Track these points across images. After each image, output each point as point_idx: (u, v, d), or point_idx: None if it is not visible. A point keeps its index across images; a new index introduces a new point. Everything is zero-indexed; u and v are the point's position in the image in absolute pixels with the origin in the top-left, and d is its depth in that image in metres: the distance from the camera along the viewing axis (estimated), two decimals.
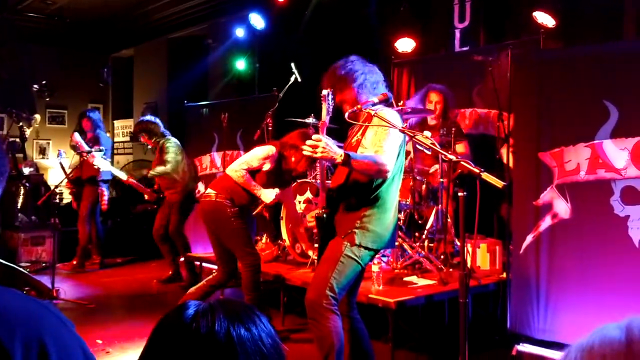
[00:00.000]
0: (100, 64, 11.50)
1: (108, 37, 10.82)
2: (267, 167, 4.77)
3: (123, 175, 6.71)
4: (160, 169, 6.60)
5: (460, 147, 5.52)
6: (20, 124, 8.28)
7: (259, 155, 4.75)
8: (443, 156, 3.04)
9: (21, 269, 6.22)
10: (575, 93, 4.27)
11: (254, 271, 4.77)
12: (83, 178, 7.50)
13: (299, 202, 5.71)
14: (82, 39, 10.82)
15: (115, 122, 12.00)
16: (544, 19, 5.38)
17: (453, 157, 2.86)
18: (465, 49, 6.32)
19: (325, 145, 3.02)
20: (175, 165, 6.69)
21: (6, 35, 9.17)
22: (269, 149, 4.77)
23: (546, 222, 4.33)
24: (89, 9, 9.15)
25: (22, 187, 8.07)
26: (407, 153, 5.37)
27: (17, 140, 8.43)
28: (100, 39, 10.89)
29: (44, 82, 10.44)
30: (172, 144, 6.78)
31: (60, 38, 10.70)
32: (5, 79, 9.71)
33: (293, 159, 4.72)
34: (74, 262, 7.68)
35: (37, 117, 9.13)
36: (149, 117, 7.07)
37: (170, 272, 6.92)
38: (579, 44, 5.32)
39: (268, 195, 4.76)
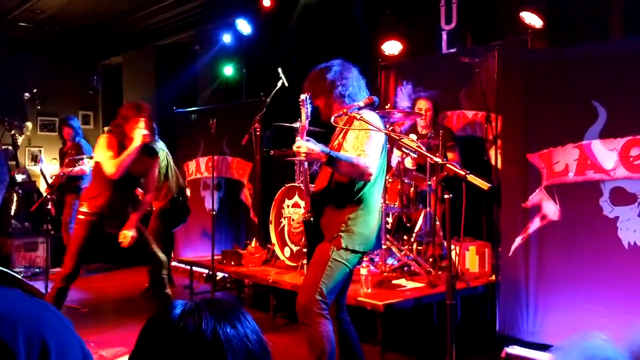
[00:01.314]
0: (90, 71, 11.50)
1: (97, 44, 10.80)
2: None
3: None
4: (172, 182, 6.62)
5: (451, 155, 5.52)
6: (12, 131, 8.31)
7: (103, 149, 4.62)
8: (429, 159, 3.03)
9: (15, 274, 6.20)
10: (563, 94, 4.27)
11: None
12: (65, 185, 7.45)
13: (287, 206, 5.70)
14: (72, 47, 10.80)
15: (105, 128, 11.97)
16: (531, 19, 5.38)
17: (438, 160, 2.85)
18: (452, 50, 6.31)
19: (306, 150, 3.08)
20: (170, 172, 6.67)
21: None
22: (102, 138, 4.67)
23: (535, 223, 4.33)
24: (77, 17, 9.13)
25: (15, 194, 8.09)
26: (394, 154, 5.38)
27: (10, 148, 8.45)
28: (89, 46, 10.87)
29: (34, 90, 10.44)
30: (163, 152, 6.70)
31: (50, 46, 10.68)
32: None
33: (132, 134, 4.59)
34: None
35: (29, 124, 9.12)
36: None
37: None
38: (566, 45, 5.33)
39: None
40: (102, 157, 4.60)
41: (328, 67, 3.49)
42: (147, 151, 4.75)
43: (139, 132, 4.54)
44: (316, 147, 3.13)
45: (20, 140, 8.43)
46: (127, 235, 4.65)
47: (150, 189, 4.94)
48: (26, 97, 9.99)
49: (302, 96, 3.34)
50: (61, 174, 6.93)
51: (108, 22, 9.34)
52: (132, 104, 4.68)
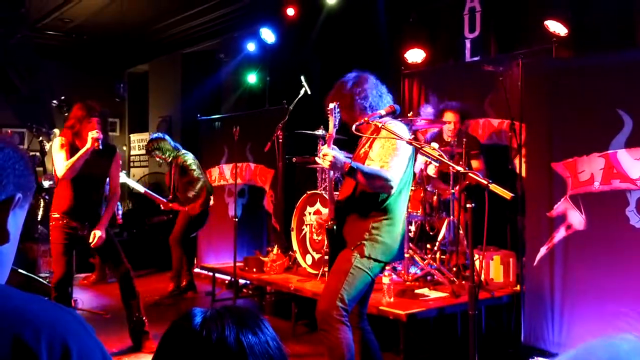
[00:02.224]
0: (116, 79, 11.62)
1: (123, 52, 10.94)
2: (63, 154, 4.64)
3: (140, 188, 6.80)
4: (198, 186, 6.81)
5: (475, 163, 5.49)
6: (40, 138, 8.45)
7: (56, 150, 4.65)
8: (451, 168, 3.02)
9: (41, 280, 6.32)
10: (588, 102, 4.22)
11: None
12: None
13: (309, 213, 5.70)
14: (99, 55, 10.95)
15: (131, 135, 12.10)
16: (556, 27, 5.33)
17: (460, 169, 2.83)
18: (476, 59, 6.28)
19: (332, 159, 3.11)
20: (205, 178, 6.96)
21: (26, 53, 9.31)
22: (58, 141, 4.69)
23: (560, 233, 4.27)
24: (105, 26, 9.26)
25: (41, 200, 8.19)
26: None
27: (37, 154, 8.58)
28: (116, 54, 11.01)
29: (62, 97, 10.57)
30: (191, 159, 6.95)
31: (78, 55, 10.84)
32: (25, 95, 9.86)
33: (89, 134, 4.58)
34: (94, 276, 7.84)
35: (56, 131, 9.24)
36: (157, 135, 7.21)
37: (184, 283, 6.95)
38: (591, 53, 5.27)
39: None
40: (55, 158, 4.65)
41: (346, 80, 3.53)
42: (106, 152, 4.73)
43: (90, 135, 4.53)
44: (341, 157, 3.16)
45: (47, 147, 8.56)
46: (95, 234, 4.64)
47: (113, 190, 4.91)
48: (54, 104, 10.13)
49: (331, 105, 3.37)
50: None
51: (135, 30, 9.46)
52: (83, 104, 4.65)
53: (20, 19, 7.85)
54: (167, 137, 7.06)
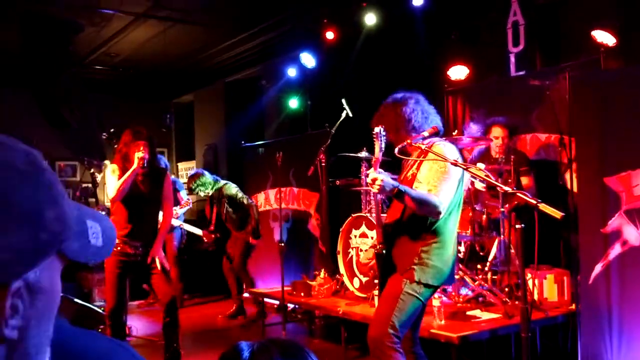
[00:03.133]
0: (163, 110, 11.85)
1: (169, 84, 11.18)
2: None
3: (191, 228, 7.22)
4: (254, 212, 7.06)
5: (525, 180, 5.36)
6: (92, 170, 8.63)
7: (108, 176, 4.78)
8: (499, 188, 2.95)
9: (96, 309, 6.42)
10: None
11: None
12: None
13: (355, 236, 5.65)
14: (145, 87, 11.22)
15: (178, 164, 12.30)
16: (604, 38, 5.19)
17: (508, 189, 2.75)
18: (521, 73, 6.17)
19: (380, 183, 3.07)
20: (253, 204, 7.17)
21: (75, 88, 9.59)
22: (110, 168, 4.83)
23: (615, 249, 4.12)
24: (149, 58, 9.50)
25: None
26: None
27: (90, 185, 8.80)
28: (162, 86, 11.26)
29: (111, 129, 10.82)
30: (235, 188, 7.14)
31: (125, 87, 11.13)
32: (75, 129, 10.13)
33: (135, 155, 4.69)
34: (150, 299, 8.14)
35: (107, 162, 9.47)
36: (194, 172, 7.41)
37: (234, 307, 7.00)
38: None
39: None
40: (107, 184, 4.82)
41: (392, 100, 3.49)
42: (157, 174, 4.86)
43: (136, 155, 4.65)
44: (389, 180, 3.12)
45: (99, 178, 8.77)
46: (153, 256, 4.72)
47: (167, 211, 4.98)
48: (104, 137, 10.40)
49: (376, 129, 3.34)
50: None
51: (178, 61, 9.66)
52: (130, 129, 4.79)
53: (69, 56, 8.11)
54: (204, 171, 7.27)
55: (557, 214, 2.47)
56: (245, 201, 7.03)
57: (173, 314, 4.82)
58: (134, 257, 4.75)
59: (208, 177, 7.11)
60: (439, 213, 3.16)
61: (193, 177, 7.13)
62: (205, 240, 7.17)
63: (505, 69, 6.37)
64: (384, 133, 3.34)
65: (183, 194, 7.74)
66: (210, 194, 7.16)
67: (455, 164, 3.08)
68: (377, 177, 3.09)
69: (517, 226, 2.69)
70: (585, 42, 5.38)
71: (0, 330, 0.66)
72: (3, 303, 0.66)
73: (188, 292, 8.55)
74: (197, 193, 7.20)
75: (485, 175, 2.99)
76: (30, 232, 0.68)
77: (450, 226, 3.33)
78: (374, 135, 3.34)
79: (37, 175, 0.72)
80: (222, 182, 7.16)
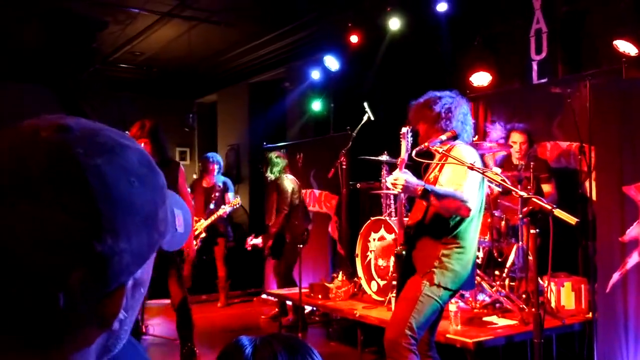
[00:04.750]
0: (186, 109, 11.96)
1: (192, 84, 11.28)
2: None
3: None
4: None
5: (547, 187, 5.36)
6: None
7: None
8: (514, 192, 2.97)
9: None
10: None
11: None
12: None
13: (373, 239, 5.69)
14: (169, 86, 11.32)
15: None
16: (626, 47, 5.18)
17: (523, 194, 2.78)
18: (543, 80, 6.17)
19: (404, 183, 3.09)
20: None
21: (98, 85, 9.73)
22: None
23: (633, 258, 4.12)
24: (174, 58, 9.61)
25: None
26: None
27: None
28: (186, 85, 11.37)
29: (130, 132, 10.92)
30: (291, 185, 6.95)
31: (148, 86, 11.23)
32: None
33: None
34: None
35: None
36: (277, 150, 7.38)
37: (276, 309, 6.96)
38: None
39: None
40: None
41: (439, 98, 3.49)
42: (170, 167, 4.81)
43: None
44: (413, 180, 3.14)
45: None
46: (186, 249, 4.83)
47: (188, 204, 4.98)
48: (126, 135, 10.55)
49: (403, 129, 3.36)
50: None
51: (203, 61, 9.76)
52: (137, 124, 4.84)
53: (93, 53, 8.23)
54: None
55: (571, 219, 2.49)
56: (297, 202, 6.78)
57: (184, 315, 4.83)
58: None
59: (282, 162, 6.92)
60: (469, 209, 3.15)
61: (275, 152, 7.04)
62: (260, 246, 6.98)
63: (527, 76, 6.37)
64: (410, 134, 3.36)
65: (230, 196, 7.69)
66: (271, 179, 6.91)
67: (471, 168, 3.10)
68: (401, 177, 3.11)
69: (532, 231, 2.71)
70: (607, 52, 5.37)
71: (111, 324, 0.70)
72: (120, 301, 0.70)
73: (209, 291, 8.61)
74: (269, 169, 6.87)
75: (502, 180, 3.01)
76: (148, 234, 0.70)
77: (472, 231, 3.33)
78: (401, 135, 3.35)
79: (153, 178, 0.73)
80: (286, 174, 6.92)
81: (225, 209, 7.31)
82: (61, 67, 8.08)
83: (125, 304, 0.71)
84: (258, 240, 6.95)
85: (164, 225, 0.75)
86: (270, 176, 6.86)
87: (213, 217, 7.39)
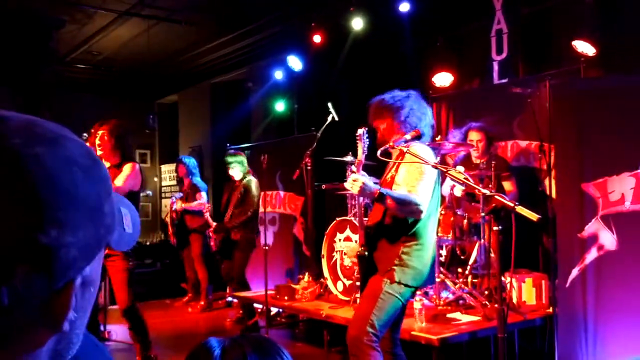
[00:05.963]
0: (146, 110, 11.82)
1: (152, 84, 11.14)
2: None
3: None
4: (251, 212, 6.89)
5: (508, 185, 5.44)
6: None
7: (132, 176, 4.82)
8: (477, 190, 3.02)
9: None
10: (617, 122, 4.20)
11: None
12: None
13: (339, 239, 5.71)
14: (128, 86, 11.17)
15: (162, 166, 12.25)
16: (584, 48, 5.31)
17: (486, 192, 2.83)
18: (503, 81, 6.27)
19: (361, 185, 3.12)
20: None
21: (56, 86, 9.55)
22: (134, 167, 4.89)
23: (592, 254, 4.22)
24: (133, 58, 9.46)
25: None
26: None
27: None
28: (145, 86, 11.23)
29: (92, 130, 10.74)
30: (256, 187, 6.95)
31: (108, 87, 11.08)
32: None
33: None
34: (187, 298, 8.23)
35: None
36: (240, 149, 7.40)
37: (241, 312, 6.93)
38: (620, 73, 5.23)
39: None
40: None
41: (400, 96, 3.51)
42: (119, 167, 4.89)
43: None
44: (370, 183, 3.17)
45: None
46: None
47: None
48: (84, 137, 10.38)
49: (360, 131, 3.39)
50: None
51: (163, 61, 9.64)
52: (96, 125, 4.98)
53: (49, 52, 8.07)
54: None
55: (533, 216, 2.55)
56: (257, 207, 6.75)
57: (133, 320, 4.81)
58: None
59: (246, 163, 6.90)
60: (421, 212, 3.21)
61: (240, 152, 7.01)
62: (212, 236, 6.99)
63: (488, 76, 6.47)
64: (367, 135, 3.39)
65: (203, 195, 7.68)
66: (234, 179, 6.88)
67: (435, 167, 3.15)
68: (359, 179, 3.15)
69: (495, 228, 2.76)
70: (567, 52, 5.50)
71: (61, 325, 0.67)
72: (69, 299, 0.67)
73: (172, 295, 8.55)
74: (230, 167, 6.84)
75: (464, 178, 3.06)
76: (94, 227, 0.68)
77: (429, 228, 3.40)
78: (357, 137, 3.38)
79: (95, 169, 0.71)
80: (250, 176, 6.90)
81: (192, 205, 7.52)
82: (18, 66, 7.91)
83: (75, 304, 0.68)
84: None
85: (111, 220, 0.72)
86: (239, 176, 6.82)
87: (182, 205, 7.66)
